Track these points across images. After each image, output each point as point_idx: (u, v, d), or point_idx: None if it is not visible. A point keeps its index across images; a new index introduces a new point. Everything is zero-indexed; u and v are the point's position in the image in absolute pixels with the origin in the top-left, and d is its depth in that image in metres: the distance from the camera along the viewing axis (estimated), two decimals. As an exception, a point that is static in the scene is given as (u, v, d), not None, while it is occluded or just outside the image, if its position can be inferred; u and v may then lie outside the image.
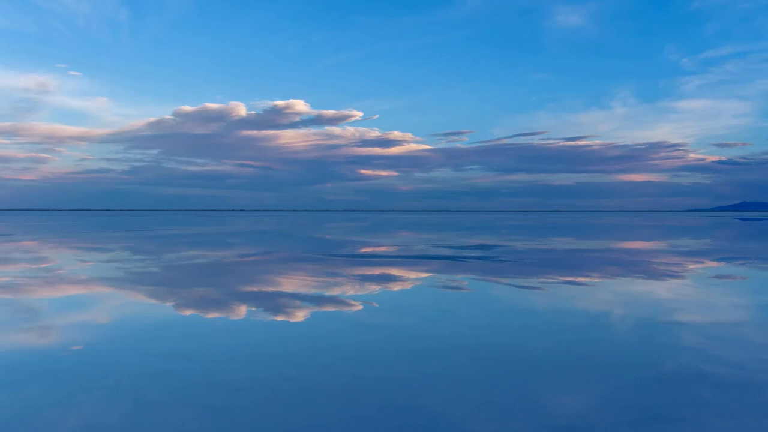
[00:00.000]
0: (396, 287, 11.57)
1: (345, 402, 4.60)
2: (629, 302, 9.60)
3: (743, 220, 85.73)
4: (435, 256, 18.89)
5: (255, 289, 11.29)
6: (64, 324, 7.80)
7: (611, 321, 8.01)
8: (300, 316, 8.39)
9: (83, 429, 4.05)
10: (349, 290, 11.01)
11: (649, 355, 6.03)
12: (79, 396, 4.75)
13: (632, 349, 6.33)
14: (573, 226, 54.40)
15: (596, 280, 12.61)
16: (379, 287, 11.46)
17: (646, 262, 17.10)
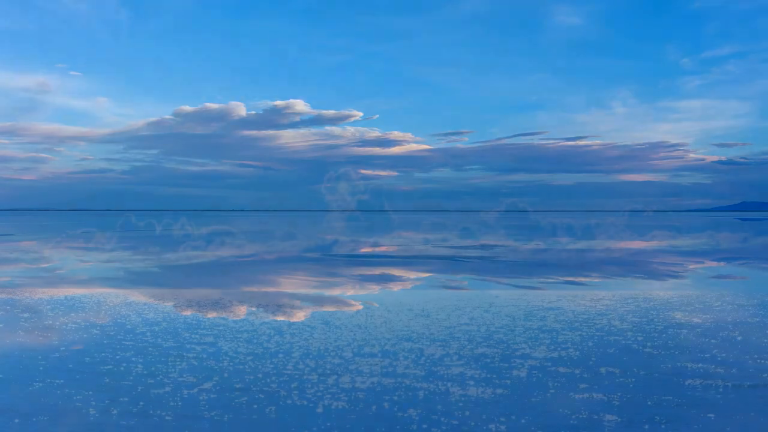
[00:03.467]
0: (396, 287, 11.57)
1: (345, 402, 4.60)
2: (630, 302, 9.60)
3: (743, 220, 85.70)
4: (435, 256, 18.89)
5: (256, 289, 11.30)
6: (64, 324, 7.80)
7: (611, 321, 8.01)
8: (300, 316, 8.39)
9: (83, 429, 4.06)
10: (349, 290, 11.01)
11: (649, 356, 6.03)
12: (79, 396, 4.75)
13: (632, 349, 6.33)
14: (573, 226, 54.37)
15: (596, 281, 12.61)
16: (379, 287, 11.46)
17: (646, 262, 17.10)
